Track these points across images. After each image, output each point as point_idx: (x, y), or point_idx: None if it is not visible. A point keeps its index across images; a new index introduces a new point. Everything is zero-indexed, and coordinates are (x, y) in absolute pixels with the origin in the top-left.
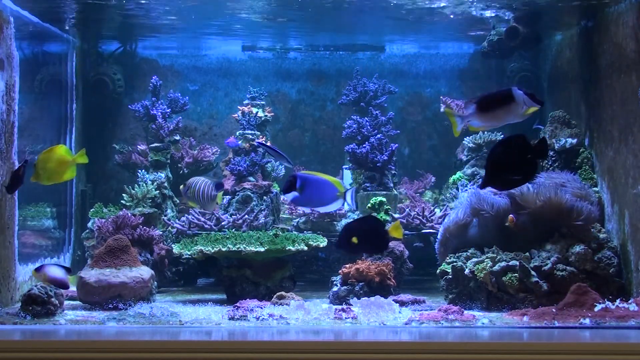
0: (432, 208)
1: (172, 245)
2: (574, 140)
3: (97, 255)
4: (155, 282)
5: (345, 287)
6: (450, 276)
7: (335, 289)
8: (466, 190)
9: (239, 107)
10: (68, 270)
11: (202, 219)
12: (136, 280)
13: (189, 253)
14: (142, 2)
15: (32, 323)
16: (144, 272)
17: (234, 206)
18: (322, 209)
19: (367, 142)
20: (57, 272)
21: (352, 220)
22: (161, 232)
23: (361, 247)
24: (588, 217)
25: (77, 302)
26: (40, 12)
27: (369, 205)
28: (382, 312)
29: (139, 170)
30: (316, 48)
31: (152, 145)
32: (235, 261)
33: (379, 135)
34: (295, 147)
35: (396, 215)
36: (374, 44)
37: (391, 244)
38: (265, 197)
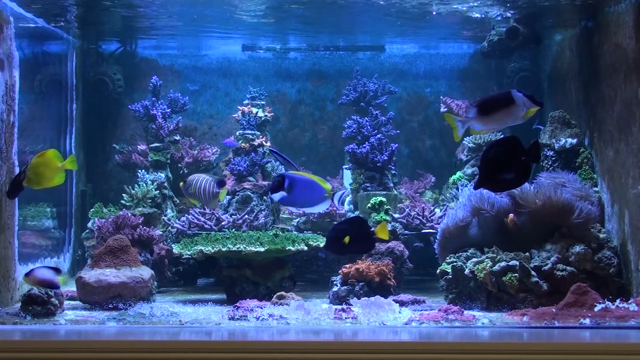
0: (432, 208)
1: (172, 245)
2: (574, 140)
3: (97, 255)
4: (155, 282)
5: (345, 287)
6: (450, 276)
7: (335, 289)
8: (465, 188)
9: (239, 107)
10: (57, 270)
11: (202, 219)
12: (136, 280)
13: (189, 253)
14: (142, 2)
15: (32, 323)
16: (144, 272)
17: (234, 206)
18: (310, 210)
19: (367, 142)
20: (46, 274)
21: (338, 222)
22: (161, 232)
23: (348, 247)
24: (588, 216)
25: (77, 302)
26: (40, 12)
27: (369, 205)
28: (382, 312)
29: (139, 170)
30: (316, 48)
31: (152, 145)
32: (235, 261)
33: (379, 135)
34: (295, 147)
35: (396, 215)
36: (374, 44)
37: (391, 244)
38: (265, 197)
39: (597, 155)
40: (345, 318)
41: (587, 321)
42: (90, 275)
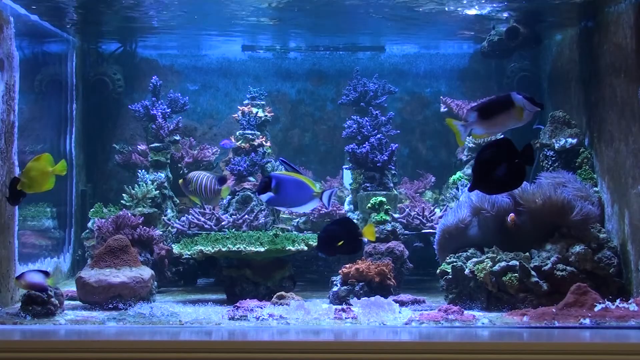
0: (432, 208)
1: (172, 245)
2: (574, 140)
3: (97, 255)
4: (155, 282)
5: (345, 287)
6: (450, 276)
7: (335, 289)
8: (465, 188)
9: (239, 107)
10: (46, 274)
11: (202, 219)
12: (136, 280)
13: (189, 253)
14: (143, 2)
15: (32, 323)
16: (144, 272)
17: (234, 206)
18: (298, 209)
19: (367, 142)
20: (35, 277)
21: (328, 223)
22: (161, 232)
23: (338, 249)
24: (587, 215)
25: (77, 302)
26: (40, 12)
27: (369, 205)
28: (382, 312)
29: (139, 170)
30: (316, 48)
31: (152, 145)
32: (235, 261)
33: (379, 135)
34: (295, 147)
35: (396, 215)
36: (374, 44)
37: (391, 244)
38: None
39: (597, 155)
40: (345, 318)
41: (587, 321)
42: (90, 275)
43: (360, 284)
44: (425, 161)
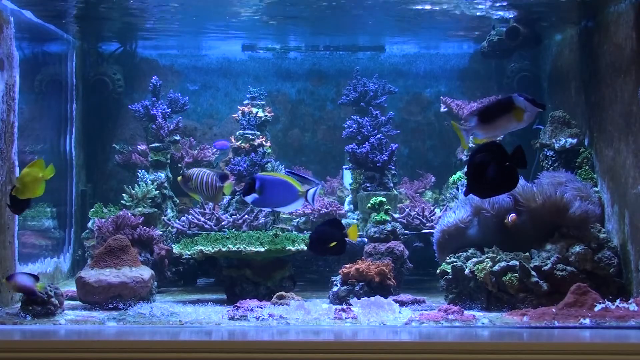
0: (432, 208)
1: (172, 245)
2: (574, 140)
3: (97, 255)
4: (155, 282)
5: (345, 287)
6: (450, 276)
7: (335, 289)
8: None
9: (239, 107)
10: (36, 278)
11: (202, 219)
12: (136, 280)
13: (189, 253)
14: (143, 2)
15: (32, 323)
16: (144, 272)
17: (234, 206)
18: (283, 209)
19: (367, 142)
20: (25, 280)
21: (318, 224)
22: (161, 232)
23: (327, 249)
24: (588, 214)
25: (77, 302)
26: (40, 12)
27: (369, 205)
28: (382, 312)
29: (139, 170)
30: (316, 48)
31: (152, 145)
32: (235, 261)
33: (379, 135)
34: (295, 147)
35: (396, 215)
36: (374, 44)
37: (391, 244)
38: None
39: (597, 155)
40: (345, 318)
41: (587, 321)
42: (90, 275)
43: (360, 284)
44: (425, 161)
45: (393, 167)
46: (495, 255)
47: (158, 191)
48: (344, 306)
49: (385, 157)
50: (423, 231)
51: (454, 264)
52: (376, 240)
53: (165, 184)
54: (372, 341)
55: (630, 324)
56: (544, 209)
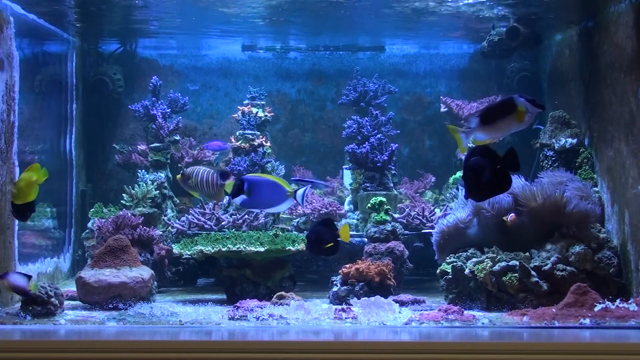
0: (432, 208)
1: (172, 245)
2: (574, 140)
3: (97, 255)
4: (155, 282)
5: (345, 287)
6: (450, 276)
7: (335, 289)
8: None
9: (239, 107)
10: (29, 278)
11: (202, 219)
12: (136, 280)
13: (189, 253)
14: (143, 2)
15: (32, 323)
16: (144, 272)
17: (234, 206)
18: (272, 210)
19: (367, 142)
20: (19, 280)
21: (314, 224)
22: (161, 232)
23: (323, 250)
24: (589, 214)
25: (77, 302)
26: (40, 12)
27: (369, 205)
28: (382, 312)
29: (139, 170)
30: (316, 48)
31: (152, 145)
32: (235, 261)
33: (379, 135)
34: (295, 147)
35: (396, 215)
36: (374, 44)
37: (391, 244)
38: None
39: (597, 155)
40: (345, 318)
41: (587, 321)
42: (90, 275)
43: (360, 284)
44: (425, 161)
45: (393, 167)
46: (495, 255)
47: (158, 191)
48: (344, 306)
49: (385, 157)
50: (423, 231)
51: (454, 264)
52: (376, 240)
53: (165, 184)
54: (372, 341)
55: (630, 324)
56: (544, 209)
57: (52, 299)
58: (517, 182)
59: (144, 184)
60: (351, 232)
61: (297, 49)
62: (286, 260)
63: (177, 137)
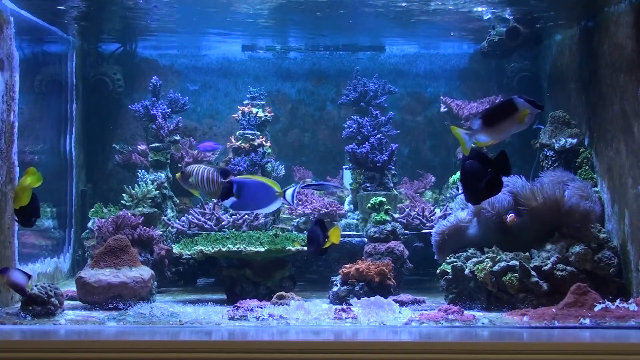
0: (432, 208)
1: (172, 245)
2: (574, 140)
3: (97, 255)
4: (155, 282)
5: (345, 287)
6: (450, 276)
7: (335, 289)
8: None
9: (239, 107)
10: (29, 277)
11: (202, 219)
12: (136, 280)
13: (189, 253)
14: (143, 2)
15: (32, 323)
16: (144, 272)
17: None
18: (262, 211)
19: (367, 142)
20: (19, 278)
21: (311, 225)
22: (161, 232)
23: (322, 251)
24: (589, 213)
25: (77, 302)
26: (40, 12)
27: (369, 205)
28: (382, 312)
29: (139, 170)
30: (316, 48)
31: (152, 145)
32: (235, 261)
33: (379, 135)
34: (295, 147)
35: (396, 215)
36: (374, 44)
37: (391, 244)
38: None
39: (597, 155)
40: (345, 318)
41: (587, 321)
42: (90, 275)
43: (360, 284)
44: (425, 161)
45: (393, 167)
46: (495, 255)
47: (158, 191)
48: (344, 306)
49: (385, 157)
50: (423, 231)
51: (454, 264)
52: (376, 240)
53: (165, 184)
54: (372, 341)
55: (630, 324)
56: (545, 208)
57: (52, 299)
58: (518, 181)
59: (144, 184)
60: (351, 232)
61: (297, 49)
62: (286, 260)
63: (177, 137)
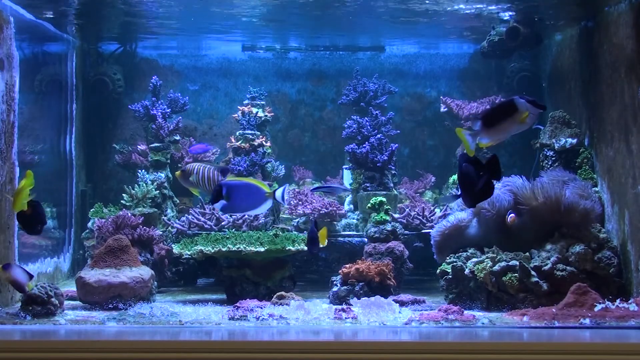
0: (432, 208)
1: (172, 245)
2: (574, 140)
3: (97, 255)
4: (155, 282)
5: (345, 287)
6: (450, 276)
7: (335, 289)
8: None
9: (239, 107)
10: (30, 277)
11: (202, 219)
12: (136, 280)
13: (189, 253)
14: (143, 2)
15: (32, 323)
16: (144, 272)
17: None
18: (253, 212)
19: (367, 142)
20: (21, 276)
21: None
22: (161, 232)
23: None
24: (589, 212)
25: (77, 302)
26: (40, 12)
27: (369, 205)
28: (382, 312)
29: (139, 170)
30: (316, 48)
31: (152, 145)
32: (235, 261)
33: (379, 135)
34: (295, 147)
35: (396, 215)
36: (374, 44)
37: (391, 244)
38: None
39: (597, 155)
40: (345, 318)
41: (587, 321)
42: (90, 275)
43: (360, 284)
44: (425, 161)
45: (393, 167)
46: (495, 255)
47: (158, 191)
48: (344, 306)
49: (385, 157)
50: (423, 231)
51: (454, 264)
52: (376, 240)
53: (165, 184)
54: (372, 341)
55: (630, 324)
56: (545, 208)
57: (52, 299)
58: (518, 181)
59: (144, 184)
60: (351, 232)
61: (297, 49)
62: (286, 260)
63: (177, 137)
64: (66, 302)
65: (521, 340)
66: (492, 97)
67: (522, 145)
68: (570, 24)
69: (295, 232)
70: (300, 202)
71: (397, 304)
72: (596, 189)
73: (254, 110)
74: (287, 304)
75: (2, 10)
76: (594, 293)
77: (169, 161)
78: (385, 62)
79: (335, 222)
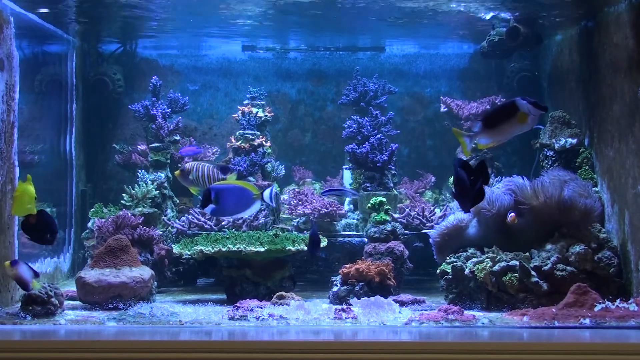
0: (432, 208)
1: (172, 245)
2: (574, 140)
3: (97, 255)
4: (155, 282)
5: (345, 287)
6: (450, 276)
7: (335, 289)
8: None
9: (239, 107)
10: (36, 275)
11: (202, 219)
12: (136, 280)
13: (189, 253)
14: (143, 2)
15: (32, 323)
16: (144, 272)
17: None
18: (242, 214)
19: (367, 142)
20: (27, 274)
21: (312, 228)
22: (161, 232)
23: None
24: (589, 211)
25: (77, 302)
26: (40, 12)
27: (369, 205)
28: (382, 312)
29: (139, 170)
30: (316, 48)
31: (152, 145)
32: (235, 261)
33: (379, 135)
34: (295, 147)
35: (396, 215)
36: (374, 44)
37: (391, 244)
38: None
39: (597, 155)
40: (345, 318)
41: (587, 321)
42: (90, 275)
43: (360, 284)
44: (425, 161)
45: (393, 167)
46: (495, 255)
47: (158, 191)
48: (344, 306)
49: (385, 157)
50: (423, 231)
51: (454, 264)
52: (376, 240)
53: (165, 184)
54: (372, 341)
55: (630, 324)
56: (545, 207)
57: (52, 299)
58: (518, 180)
59: (144, 184)
60: (351, 232)
61: (297, 49)
62: (286, 260)
63: (177, 137)
64: (66, 302)
65: (521, 340)
66: (492, 97)
67: (522, 145)
68: (571, 24)
69: (295, 232)
70: (300, 202)
71: (397, 304)
72: (596, 189)
73: (254, 110)
74: (287, 304)
75: (2, 10)
76: (594, 293)
77: (169, 161)
78: (385, 62)
79: (335, 222)
